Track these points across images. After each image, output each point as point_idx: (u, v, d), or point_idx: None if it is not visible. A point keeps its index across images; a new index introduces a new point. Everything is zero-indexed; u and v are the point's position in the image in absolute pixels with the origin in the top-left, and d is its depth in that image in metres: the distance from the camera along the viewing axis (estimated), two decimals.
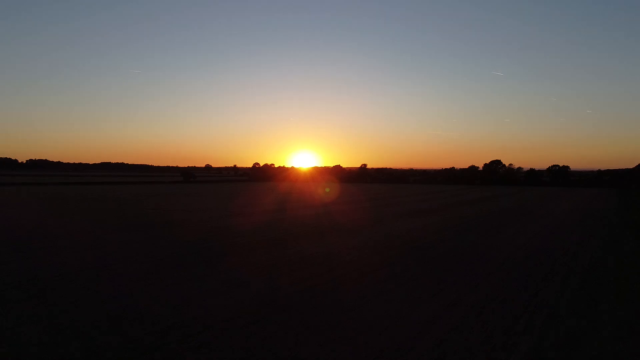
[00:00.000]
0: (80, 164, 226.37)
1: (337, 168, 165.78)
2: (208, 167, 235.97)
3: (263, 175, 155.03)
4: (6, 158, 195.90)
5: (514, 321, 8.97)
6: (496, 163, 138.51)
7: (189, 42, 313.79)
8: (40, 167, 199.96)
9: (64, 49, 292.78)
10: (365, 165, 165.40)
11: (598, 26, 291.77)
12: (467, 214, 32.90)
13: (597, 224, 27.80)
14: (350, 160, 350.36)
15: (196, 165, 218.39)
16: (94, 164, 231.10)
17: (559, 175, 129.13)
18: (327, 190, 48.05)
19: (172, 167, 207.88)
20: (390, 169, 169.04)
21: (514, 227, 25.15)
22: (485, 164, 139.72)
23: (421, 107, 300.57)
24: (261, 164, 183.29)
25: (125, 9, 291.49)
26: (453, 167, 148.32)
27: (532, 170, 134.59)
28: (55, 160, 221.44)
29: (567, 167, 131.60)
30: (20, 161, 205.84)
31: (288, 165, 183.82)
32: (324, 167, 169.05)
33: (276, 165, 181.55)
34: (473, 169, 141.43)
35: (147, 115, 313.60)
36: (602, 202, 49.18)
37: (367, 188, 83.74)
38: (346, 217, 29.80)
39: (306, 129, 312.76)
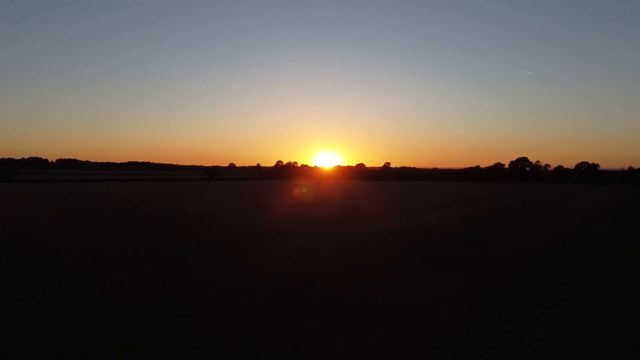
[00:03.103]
0: (107, 163, 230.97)
1: (360, 167, 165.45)
2: (232, 166, 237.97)
3: (286, 174, 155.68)
4: (37, 158, 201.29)
5: (525, 310, 8.55)
6: (522, 161, 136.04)
7: (213, 43, 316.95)
8: (69, 167, 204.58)
9: (92, 48, 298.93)
10: (388, 163, 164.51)
11: (627, 23, 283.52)
12: (489, 208, 32.17)
13: (623, 218, 27.10)
14: (373, 159, 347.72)
15: (220, 165, 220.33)
16: (121, 163, 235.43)
17: (587, 172, 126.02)
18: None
19: (197, 166, 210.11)
20: (413, 168, 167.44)
21: (535, 220, 24.46)
22: (511, 162, 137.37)
23: (445, 105, 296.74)
24: (284, 163, 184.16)
25: (150, 8, 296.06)
26: (478, 166, 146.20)
27: (559, 168, 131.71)
28: (83, 160, 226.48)
29: (597, 165, 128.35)
30: (50, 160, 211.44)
31: (311, 164, 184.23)
32: (347, 166, 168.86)
33: (299, 164, 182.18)
34: (498, 166, 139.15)
35: (173, 116, 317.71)
36: (629, 199, 47.65)
37: (389, 185, 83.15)
38: (367, 210, 29.49)
39: (329, 128, 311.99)
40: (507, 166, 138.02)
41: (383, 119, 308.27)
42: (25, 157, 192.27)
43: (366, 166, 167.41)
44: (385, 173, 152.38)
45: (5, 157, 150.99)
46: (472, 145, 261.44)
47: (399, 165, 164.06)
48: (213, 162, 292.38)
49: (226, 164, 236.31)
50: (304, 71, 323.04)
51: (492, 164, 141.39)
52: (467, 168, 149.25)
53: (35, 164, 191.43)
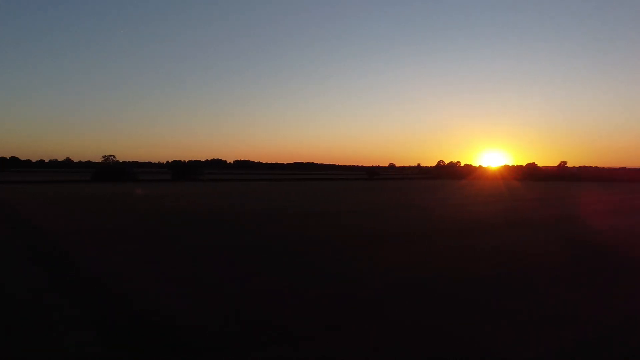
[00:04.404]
0: (276, 163, 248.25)
1: (531, 166, 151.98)
2: (391, 166, 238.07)
3: (447, 174, 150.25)
4: (218, 159, 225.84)
5: None
6: None
7: (373, 44, 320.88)
8: (244, 167, 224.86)
9: (255, 55, 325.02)
10: (564, 162, 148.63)
11: None
12: None
13: None
14: (546, 157, 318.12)
15: (380, 165, 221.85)
16: (288, 164, 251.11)
17: None
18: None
19: (358, 166, 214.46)
20: (595, 167, 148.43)
21: None
22: None
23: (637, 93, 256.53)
24: (446, 162, 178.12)
25: (314, 9, 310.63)
26: None
27: None
28: (256, 161, 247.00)
29: None
30: (228, 162, 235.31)
31: (475, 163, 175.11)
32: (516, 165, 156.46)
33: (462, 164, 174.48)
34: None
35: (336, 117, 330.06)
36: None
37: (563, 187, 74.64)
38: (528, 215, 26.36)
39: (496, 125, 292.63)
40: None
41: (558, 113, 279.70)
42: (209, 159, 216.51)
43: (538, 165, 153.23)
44: (561, 173, 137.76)
45: (193, 159, 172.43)
46: None
47: (577, 165, 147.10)
48: (373, 162, 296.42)
49: (386, 164, 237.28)
50: (467, 68, 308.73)
51: None
52: None
53: (217, 164, 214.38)
